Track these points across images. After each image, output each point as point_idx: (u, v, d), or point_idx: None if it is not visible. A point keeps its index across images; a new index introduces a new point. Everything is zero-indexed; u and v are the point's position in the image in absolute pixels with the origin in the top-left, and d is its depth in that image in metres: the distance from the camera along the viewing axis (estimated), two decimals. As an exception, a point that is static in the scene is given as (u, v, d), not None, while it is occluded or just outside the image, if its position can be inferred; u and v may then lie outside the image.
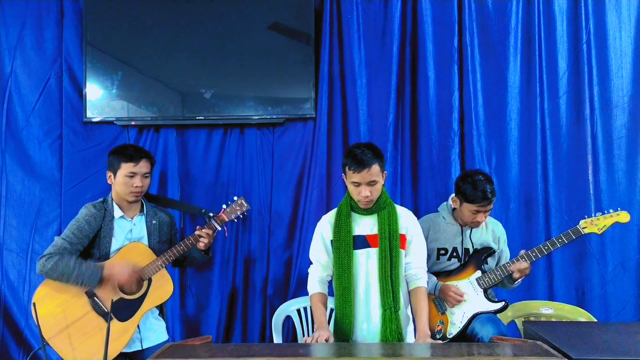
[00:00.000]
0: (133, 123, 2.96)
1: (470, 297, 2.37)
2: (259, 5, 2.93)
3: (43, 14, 3.02)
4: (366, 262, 2.14)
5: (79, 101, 2.99)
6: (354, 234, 2.15)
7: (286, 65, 2.93)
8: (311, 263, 2.26)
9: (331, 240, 2.17)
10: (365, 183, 2.08)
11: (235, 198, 2.43)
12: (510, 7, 2.93)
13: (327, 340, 1.96)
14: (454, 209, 2.49)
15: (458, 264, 2.44)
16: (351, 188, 2.13)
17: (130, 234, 2.36)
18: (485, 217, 2.41)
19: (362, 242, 2.16)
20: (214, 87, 2.93)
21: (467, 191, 2.34)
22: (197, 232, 2.34)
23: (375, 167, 2.08)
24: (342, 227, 2.15)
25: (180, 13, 2.94)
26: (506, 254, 2.52)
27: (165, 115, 2.95)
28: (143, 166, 2.33)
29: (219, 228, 2.38)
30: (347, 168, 2.11)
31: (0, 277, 2.96)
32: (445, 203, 2.57)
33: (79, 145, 2.98)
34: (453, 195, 2.46)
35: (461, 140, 2.94)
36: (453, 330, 2.35)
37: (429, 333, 2.05)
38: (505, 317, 2.47)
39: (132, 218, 2.38)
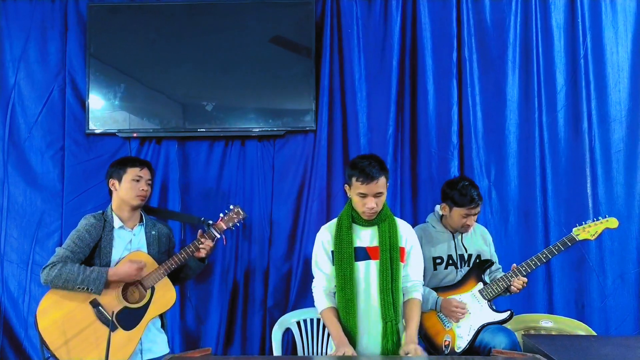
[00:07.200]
0: (135, 135, 2.96)
1: (475, 310, 2.37)
2: (261, 19, 2.95)
3: (47, 27, 3.03)
4: (366, 274, 2.15)
5: (81, 113, 2.98)
6: (355, 246, 2.16)
7: (287, 78, 2.94)
8: (313, 277, 2.25)
9: (332, 251, 2.17)
10: (372, 195, 2.10)
11: (232, 207, 2.46)
12: (509, 22, 2.96)
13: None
14: (442, 217, 2.53)
15: (455, 272, 2.46)
16: (356, 199, 2.14)
17: (130, 244, 2.39)
18: (474, 221, 2.47)
19: (363, 254, 2.16)
20: (215, 99, 2.95)
21: (456, 196, 2.42)
22: (199, 237, 2.38)
23: (382, 179, 2.11)
24: (343, 238, 2.15)
25: (183, 26, 2.96)
26: (496, 258, 2.58)
27: (167, 127, 2.95)
28: (147, 173, 2.43)
29: (218, 236, 2.42)
30: (353, 179, 2.12)
31: (0, 288, 2.95)
32: (432, 213, 2.60)
33: (81, 156, 2.97)
34: (440, 204, 2.52)
35: (460, 153, 2.95)
36: (461, 343, 2.35)
37: (416, 340, 2.07)
38: (505, 330, 2.47)
39: (131, 229, 2.40)
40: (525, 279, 2.37)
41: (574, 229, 2.39)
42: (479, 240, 2.55)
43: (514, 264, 2.41)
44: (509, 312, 2.36)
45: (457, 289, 2.43)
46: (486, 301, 2.38)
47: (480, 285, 2.41)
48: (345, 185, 2.21)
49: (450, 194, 2.44)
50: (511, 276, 2.37)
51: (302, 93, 2.94)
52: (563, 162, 2.94)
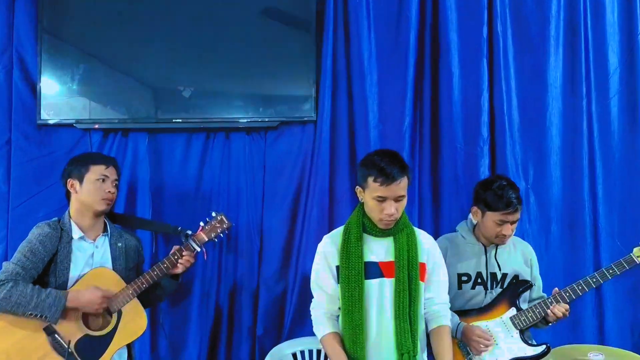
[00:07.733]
0: (97, 126, 2.78)
1: (504, 340, 2.21)
2: (251, -13, 2.85)
3: (-10, -4, 2.87)
4: (379, 294, 1.99)
5: (32, 100, 2.79)
6: (365, 260, 2.01)
7: (282, 59, 2.79)
8: (312, 297, 2.10)
9: (337, 266, 2.03)
10: (393, 198, 1.95)
11: (214, 214, 2.33)
12: (552, -9, 2.80)
13: None
14: (474, 226, 2.37)
15: (484, 293, 2.29)
16: (372, 204, 1.97)
17: (91, 258, 2.22)
18: (512, 231, 2.28)
19: (375, 270, 2.01)
20: (194, 84, 2.79)
21: (489, 198, 2.24)
22: (176, 251, 2.25)
23: (404, 180, 1.97)
24: (351, 251, 2.00)
25: (156, -4, 2.85)
26: (539, 283, 2.39)
27: (135, 117, 2.80)
28: (113, 172, 2.30)
29: (198, 249, 2.28)
30: (370, 180, 1.96)
31: None
32: (464, 221, 2.44)
33: (32, 152, 2.78)
34: (473, 207, 2.35)
35: (491, 150, 2.77)
36: None
37: None
38: (545, 365, 2.30)
39: (93, 240, 2.24)
40: (567, 307, 2.20)
41: (635, 249, 2.20)
42: (518, 258, 2.34)
43: (556, 288, 2.24)
44: (544, 346, 2.19)
45: (485, 314, 2.26)
46: (518, 331, 2.22)
47: (513, 311, 2.24)
48: (358, 187, 2.05)
49: (483, 196, 2.25)
50: (551, 302, 2.21)
51: (300, 76, 2.78)
52: (617, 160, 2.75)
